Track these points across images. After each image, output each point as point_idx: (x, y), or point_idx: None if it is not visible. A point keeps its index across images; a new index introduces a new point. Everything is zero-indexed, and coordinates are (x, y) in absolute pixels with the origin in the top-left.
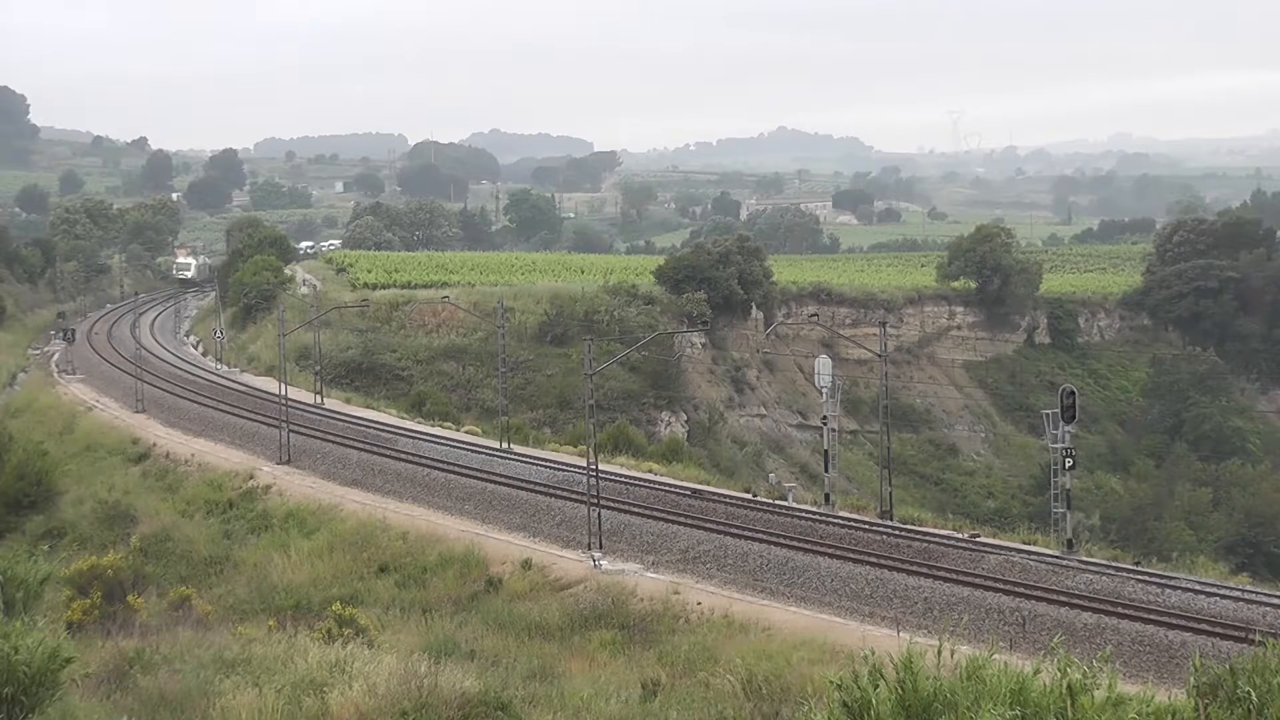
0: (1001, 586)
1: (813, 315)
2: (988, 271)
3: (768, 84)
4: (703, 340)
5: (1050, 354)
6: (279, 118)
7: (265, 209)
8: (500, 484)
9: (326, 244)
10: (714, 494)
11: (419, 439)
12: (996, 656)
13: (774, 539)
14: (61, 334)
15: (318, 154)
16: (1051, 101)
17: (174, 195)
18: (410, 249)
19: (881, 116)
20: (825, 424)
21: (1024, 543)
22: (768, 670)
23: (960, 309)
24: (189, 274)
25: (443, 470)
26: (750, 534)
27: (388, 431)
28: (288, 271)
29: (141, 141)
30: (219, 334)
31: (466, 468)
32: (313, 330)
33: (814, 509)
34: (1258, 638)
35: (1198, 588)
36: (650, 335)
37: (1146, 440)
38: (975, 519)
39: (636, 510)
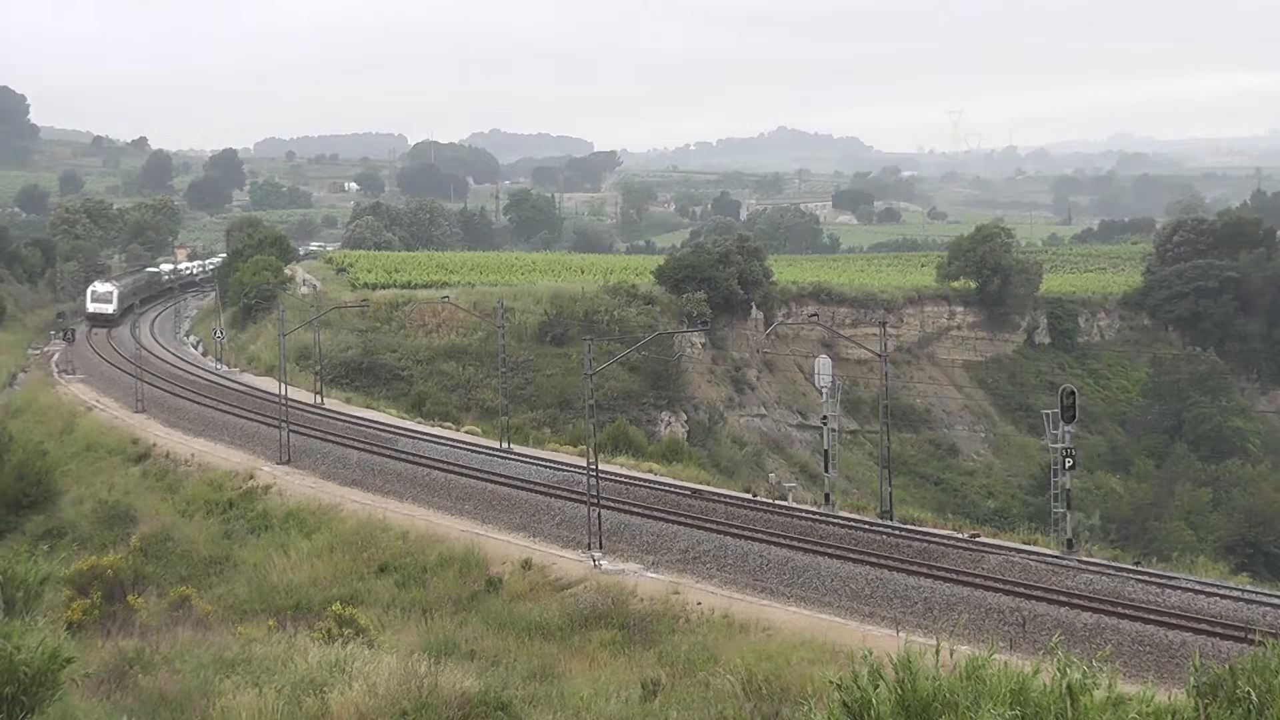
0: (1001, 586)
1: (813, 315)
2: (988, 271)
3: (768, 84)
4: (703, 340)
5: (1050, 354)
6: (279, 118)
7: (265, 209)
8: (500, 484)
9: (318, 245)
10: (714, 494)
11: (419, 439)
12: (996, 656)
13: (774, 539)
14: (61, 334)
15: (318, 154)
16: (1051, 101)
17: (174, 201)
18: (410, 249)
19: (881, 116)
20: (825, 424)
21: (1024, 543)
22: (768, 670)
23: (960, 309)
24: (109, 308)
25: (443, 470)
26: (750, 534)
27: (388, 431)
28: (288, 271)
29: (141, 141)
30: (219, 334)
31: (466, 468)
32: (313, 330)
33: (814, 509)
34: (1258, 638)
35: (1198, 588)
36: (650, 335)
37: (1146, 440)
38: (975, 519)
39: (636, 510)
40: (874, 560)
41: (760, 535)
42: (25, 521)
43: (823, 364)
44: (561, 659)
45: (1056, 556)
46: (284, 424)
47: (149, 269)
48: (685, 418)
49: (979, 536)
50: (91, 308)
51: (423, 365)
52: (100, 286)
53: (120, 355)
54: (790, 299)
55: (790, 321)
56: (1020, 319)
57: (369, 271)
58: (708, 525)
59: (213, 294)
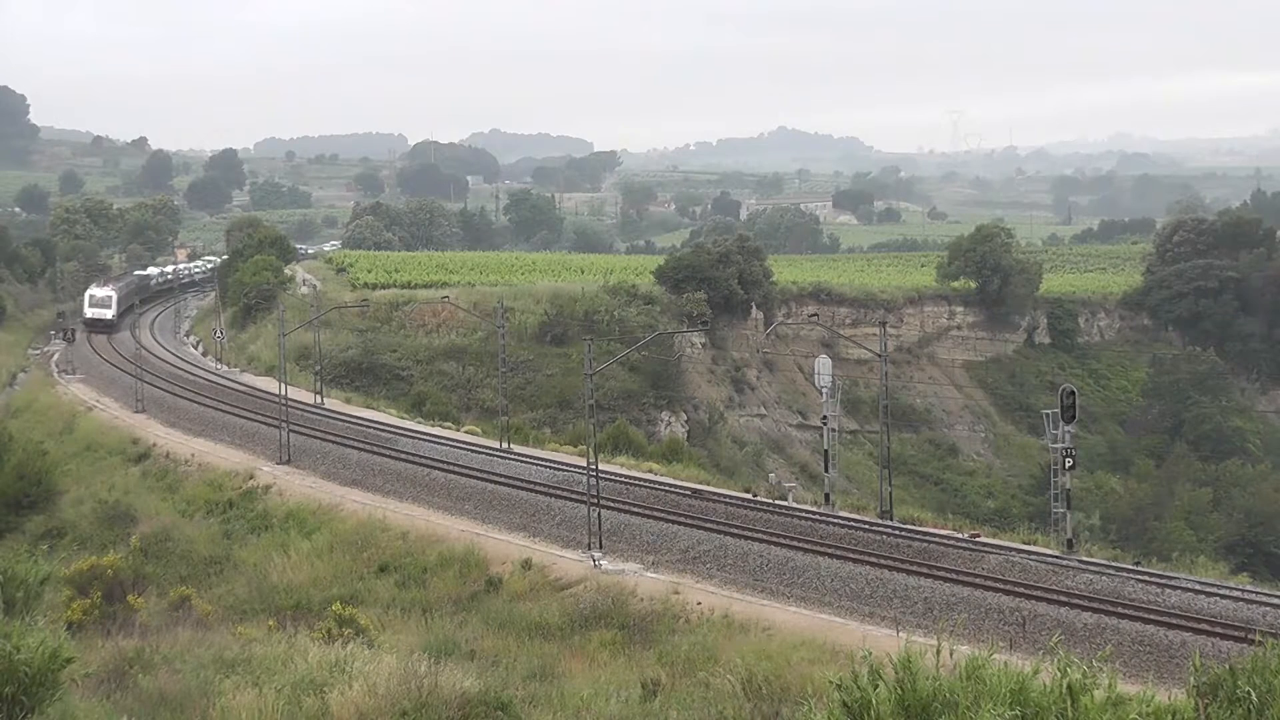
0: (1001, 586)
1: (813, 315)
2: (988, 271)
3: (767, 84)
4: (703, 340)
5: (1050, 354)
6: (279, 118)
7: (265, 209)
8: (500, 484)
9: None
10: (714, 494)
11: (419, 439)
12: (996, 656)
13: (774, 539)
14: (61, 334)
15: (318, 154)
16: (1051, 101)
17: (174, 201)
18: (410, 249)
19: (881, 116)
20: (825, 424)
21: (1024, 543)
22: (768, 670)
23: (960, 309)
24: (108, 313)
25: (443, 470)
26: (750, 534)
27: (388, 431)
28: (288, 271)
29: (141, 141)
30: (219, 334)
31: (466, 468)
32: (313, 330)
33: (814, 509)
34: (1258, 638)
35: (1198, 588)
36: (650, 335)
37: (1146, 440)
38: (975, 519)
39: (636, 510)
40: (874, 560)
41: (760, 535)
42: (25, 521)
43: (823, 364)
44: (561, 659)
45: (1056, 556)
46: (284, 424)
47: (137, 272)
48: (685, 418)
49: (979, 536)
50: (90, 313)
51: (423, 365)
52: (98, 291)
53: (120, 355)
54: (790, 299)
55: (790, 321)
56: (1020, 319)
57: (369, 271)
58: (708, 525)
59: (212, 294)
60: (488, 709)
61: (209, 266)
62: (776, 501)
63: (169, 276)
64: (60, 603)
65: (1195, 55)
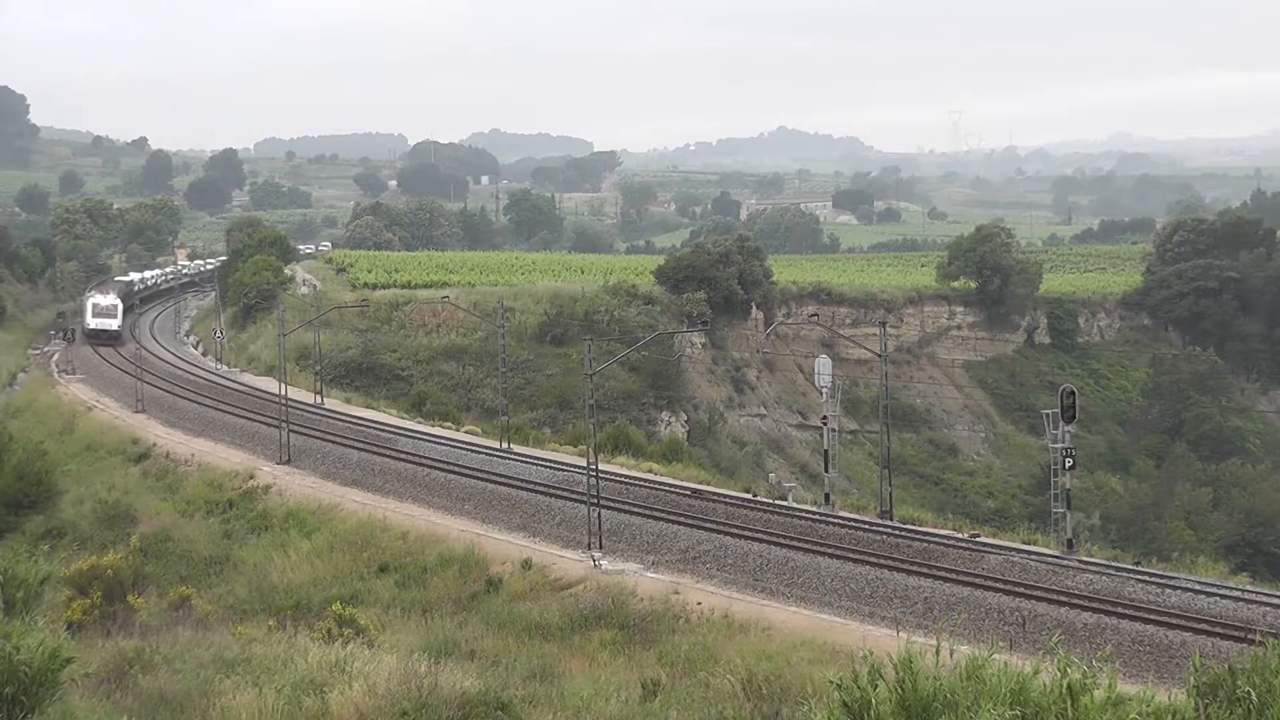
0: (1001, 586)
1: (813, 315)
2: (988, 271)
3: (768, 84)
4: (703, 340)
5: (1050, 354)
6: (279, 118)
7: (265, 209)
8: (500, 484)
9: (320, 245)
10: (714, 494)
11: (419, 439)
12: (996, 656)
13: (774, 539)
14: (61, 334)
15: (318, 154)
16: (1051, 101)
17: (174, 201)
18: (410, 249)
19: (881, 116)
20: (825, 424)
21: (1024, 543)
22: (768, 670)
23: (960, 309)
24: (113, 324)
25: (443, 470)
26: (750, 534)
27: (388, 431)
28: (288, 271)
29: (141, 141)
30: (219, 334)
31: (466, 468)
32: (313, 330)
33: (814, 509)
34: (1258, 638)
35: (1198, 588)
36: (650, 335)
37: (1146, 440)
38: (975, 519)
39: (636, 510)
40: (874, 560)
41: (760, 535)
42: (25, 521)
43: (823, 364)
44: (561, 659)
45: (1056, 556)
46: (284, 424)
47: (118, 278)
48: (685, 418)
49: (979, 536)
50: (93, 323)
51: (423, 365)
52: (102, 299)
53: (120, 355)
54: (790, 299)
55: (790, 321)
56: (1020, 319)
57: (369, 271)
58: (708, 525)
59: (211, 295)
60: (488, 709)
61: (184, 271)
62: (776, 501)
63: (151, 282)
64: (60, 603)
65: (1195, 55)
